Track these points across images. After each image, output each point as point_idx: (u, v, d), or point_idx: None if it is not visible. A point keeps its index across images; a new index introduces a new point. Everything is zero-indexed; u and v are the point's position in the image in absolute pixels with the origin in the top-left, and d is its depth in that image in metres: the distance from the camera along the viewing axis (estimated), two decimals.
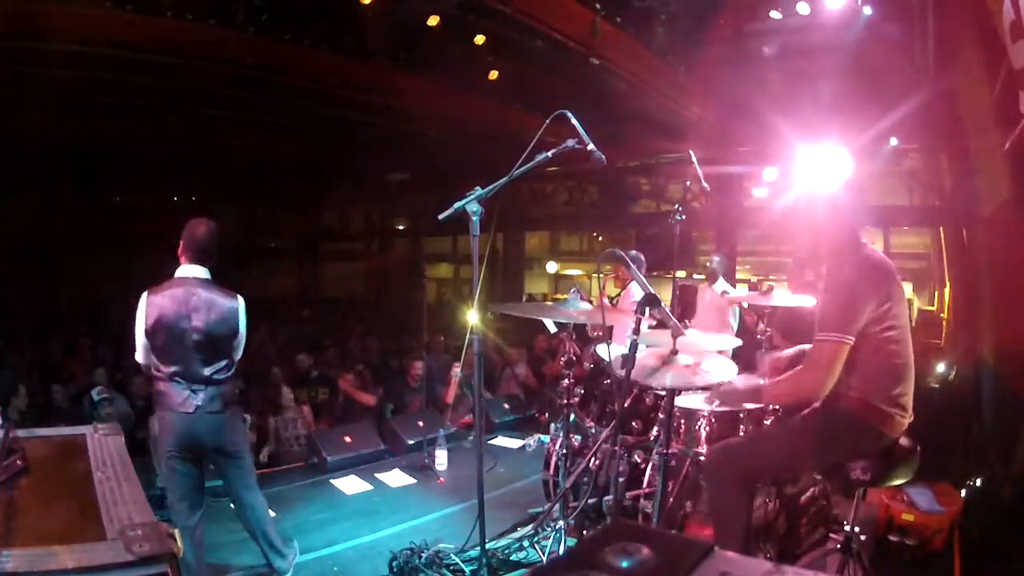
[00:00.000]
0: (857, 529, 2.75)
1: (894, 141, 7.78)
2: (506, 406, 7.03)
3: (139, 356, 3.18)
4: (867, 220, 2.66)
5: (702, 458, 3.04)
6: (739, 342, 3.50)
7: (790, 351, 3.03)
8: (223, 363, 3.18)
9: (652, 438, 3.46)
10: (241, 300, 3.24)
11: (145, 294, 3.12)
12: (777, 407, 3.13)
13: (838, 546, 2.87)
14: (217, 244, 3.27)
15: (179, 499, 3.13)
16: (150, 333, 3.08)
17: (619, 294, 5.30)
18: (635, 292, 5.18)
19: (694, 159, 4.24)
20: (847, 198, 2.67)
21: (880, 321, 2.44)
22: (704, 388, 3.08)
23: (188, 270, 3.18)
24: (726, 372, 2.81)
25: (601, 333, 4.06)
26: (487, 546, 3.14)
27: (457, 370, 6.79)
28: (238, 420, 3.40)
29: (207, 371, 3.12)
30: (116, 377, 7.16)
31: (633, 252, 5.19)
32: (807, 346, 2.94)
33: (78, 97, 7.91)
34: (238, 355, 3.29)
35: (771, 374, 3.02)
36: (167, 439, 3.12)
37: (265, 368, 7.13)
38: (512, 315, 4.76)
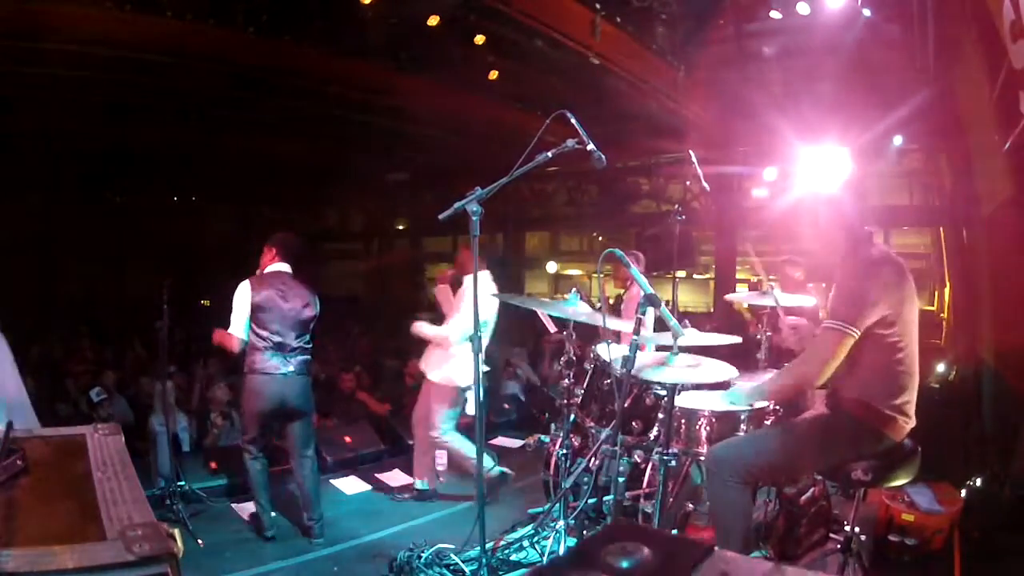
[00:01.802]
0: (857, 529, 2.75)
1: (898, 140, 7.77)
2: (506, 406, 7.03)
3: (235, 330, 3.87)
4: (872, 220, 2.67)
5: (702, 458, 3.04)
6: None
7: (803, 321, 3.04)
8: (307, 336, 3.99)
9: (652, 438, 3.45)
10: (313, 291, 4.08)
11: (247, 283, 3.89)
12: (778, 407, 3.13)
13: (838, 546, 2.87)
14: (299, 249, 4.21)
15: (253, 443, 3.97)
16: (254, 312, 3.83)
17: (620, 295, 5.30)
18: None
19: (694, 159, 4.24)
20: (851, 199, 2.68)
21: (888, 325, 2.44)
22: (706, 386, 3.09)
23: (279, 267, 4.02)
24: (727, 373, 2.81)
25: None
26: (487, 546, 3.14)
27: None
28: (310, 386, 4.12)
29: (297, 343, 3.92)
30: (118, 375, 7.18)
31: (633, 252, 5.19)
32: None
33: (78, 97, 7.90)
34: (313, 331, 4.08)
35: (791, 338, 3.01)
36: (257, 398, 3.89)
37: None
38: (512, 315, 4.76)
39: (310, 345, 4.03)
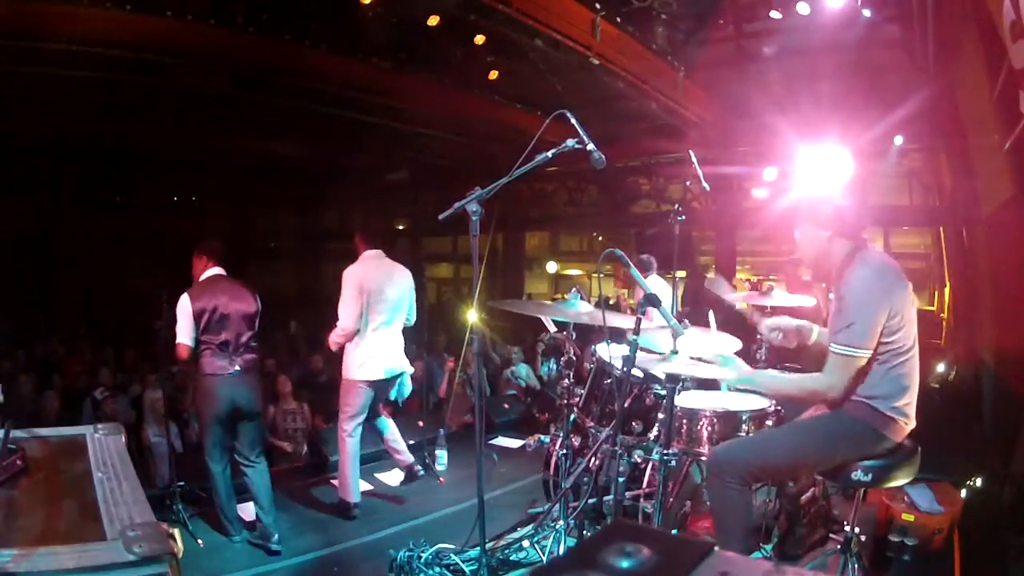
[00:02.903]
0: (857, 529, 2.75)
1: (899, 140, 7.78)
2: (506, 406, 7.02)
3: (182, 339, 3.90)
4: (870, 221, 2.66)
5: (703, 458, 3.04)
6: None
7: (793, 322, 3.01)
8: (251, 334, 4.06)
9: (652, 438, 3.46)
10: (254, 291, 4.18)
11: (186, 295, 3.93)
12: (779, 408, 3.13)
13: (838, 546, 2.87)
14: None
15: (214, 447, 3.96)
16: (198, 319, 3.87)
17: (620, 295, 5.30)
18: (658, 289, 5.20)
19: (694, 159, 4.24)
20: (848, 202, 2.67)
21: (893, 332, 2.44)
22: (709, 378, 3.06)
23: (214, 271, 4.09)
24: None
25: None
26: (487, 546, 3.14)
27: (451, 366, 6.80)
28: (258, 385, 4.20)
29: (242, 340, 3.98)
30: (118, 378, 7.16)
31: (645, 256, 5.21)
32: (807, 323, 2.94)
33: (78, 97, 7.90)
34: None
35: (771, 338, 3.00)
36: (208, 399, 3.93)
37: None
38: (512, 315, 4.78)
39: (255, 343, 4.10)
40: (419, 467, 4.86)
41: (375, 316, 4.40)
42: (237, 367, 3.95)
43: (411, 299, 4.62)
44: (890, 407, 2.47)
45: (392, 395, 4.82)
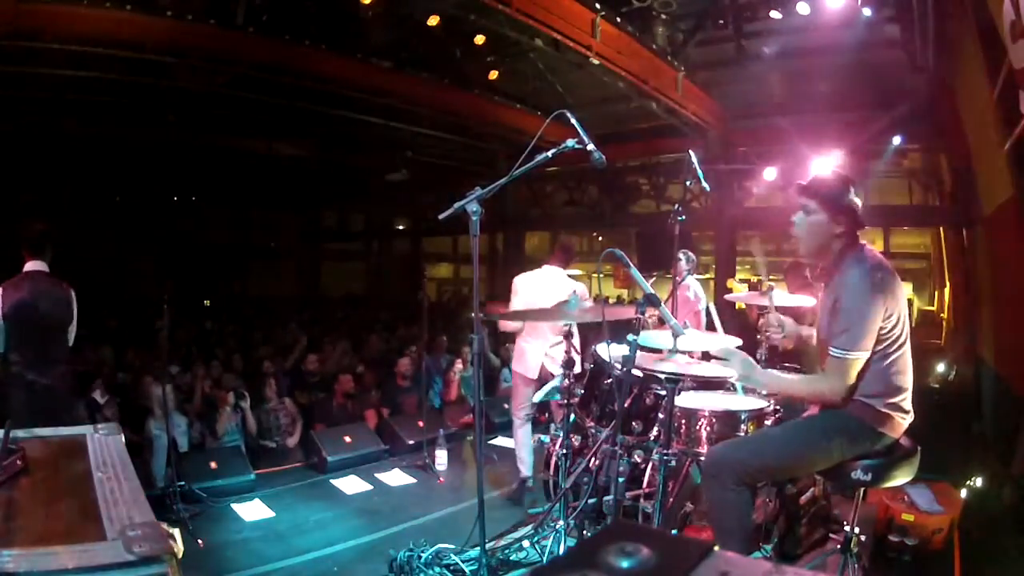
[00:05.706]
0: (857, 529, 2.74)
1: (897, 139, 7.79)
2: (505, 406, 7.02)
3: None
4: (867, 219, 2.62)
5: (702, 458, 3.04)
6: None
7: (802, 330, 3.01)
8: (65, 343, 3.64)
9: (652, 438, 3.45)
10: (72, 291, 3.78)
11: None
12: (778, 408, 3.13)
13: (838, 546, 2.87)
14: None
15: None
16: (7, 320, 3.40)
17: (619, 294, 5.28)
18: (692, 286, 5.19)
19: (694, 159, 4.24)
20: (849, 196, 2.65)
21: (885, 332, 2.44)
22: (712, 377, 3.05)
23: (32, 266, 3.65)
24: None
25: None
26: (487, 546, 3.14)
27: (459, 367, 6.79)
28: (69, 399, 3.82)
29: (48, 354, 3.55)
30: (120, 378, 7.15)
31: (689, 252, 5.18)
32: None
33: (78, 97, 7.91)
34: (70, 341, 3.77)
35: (775, 335, 2.98)
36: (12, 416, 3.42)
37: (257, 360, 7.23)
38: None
39: (63, 355, 3.69)
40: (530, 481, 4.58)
41: None
42: (48, 380, 3.52)
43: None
44: (886, 404, 2.47)
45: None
